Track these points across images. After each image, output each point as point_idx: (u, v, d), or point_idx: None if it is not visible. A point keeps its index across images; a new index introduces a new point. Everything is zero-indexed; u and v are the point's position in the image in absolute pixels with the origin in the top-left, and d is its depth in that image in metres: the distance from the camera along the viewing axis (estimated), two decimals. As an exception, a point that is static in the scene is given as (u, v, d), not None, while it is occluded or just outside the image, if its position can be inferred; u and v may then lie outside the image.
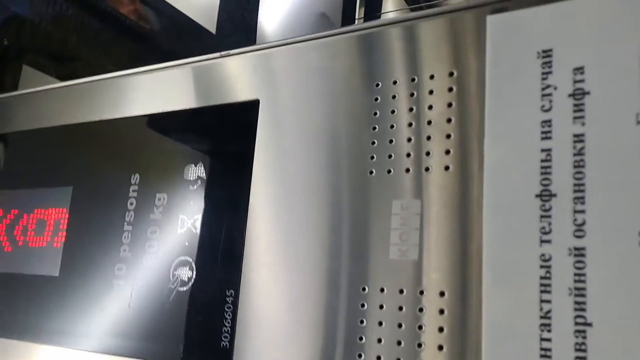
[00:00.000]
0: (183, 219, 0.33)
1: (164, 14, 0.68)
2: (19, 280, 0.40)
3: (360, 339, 0.26)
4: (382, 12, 0.87)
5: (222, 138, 0.34)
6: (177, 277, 0.32)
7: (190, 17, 0.68)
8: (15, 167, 0.44)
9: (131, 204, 0.36)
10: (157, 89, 0.37)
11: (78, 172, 0.40)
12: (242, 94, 0.33)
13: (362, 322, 0.26)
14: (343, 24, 0.89)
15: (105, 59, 0.64)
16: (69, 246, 0.38)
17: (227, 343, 0.29)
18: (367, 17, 0.89)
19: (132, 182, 0.36)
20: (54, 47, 0.61)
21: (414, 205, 0.26)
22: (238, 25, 0.72)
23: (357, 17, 0.89)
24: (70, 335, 0.36)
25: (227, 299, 0.30)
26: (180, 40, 0.70)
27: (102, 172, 0.38)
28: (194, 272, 0.32)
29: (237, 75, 0.34)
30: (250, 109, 0.32)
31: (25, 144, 0.44)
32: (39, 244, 0.40)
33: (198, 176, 0.34)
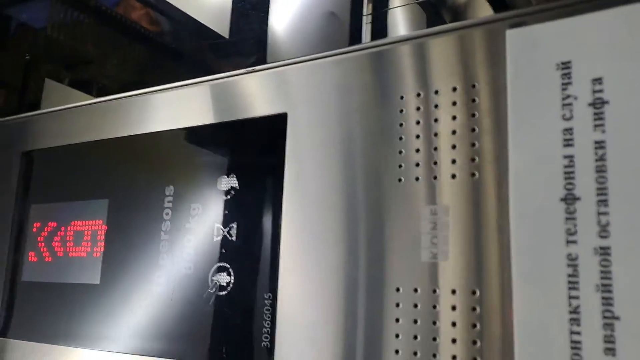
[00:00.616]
0: (219, 228, 0.35)
1: (176, 20, 0.69)
2: (62, 289, 0.42)
3: (397, 336, 0.27)
4: (389, 7, 0.87)
5: (252, 150, 0.36)
6: (216, 282, 0.34)
7: (203, 22, 0.69)
8: (51, 182, 0.46)
9: (167, 214, 0.37)
10: (187, 105, 0.39)
11: (113, 185, 0.41)
12: (269, 107, 0.34)
13: (397, 320, 0.27)
14: (351, 21, 0.89)
15: (119, 63, 0.65)
16: (108, 255, 0.40)
17: (268, 343, 0.31)
18: (376, 12, 0.90)
19: (167, 193, 0.38)
20: (71, 56, 0.63)
21: (443, 210, 0.27)
22: (250, 30, 0.73)
23: (365, 13, 0.89)
24: (114, 339, 0.37)
25: (266, 301, 0.32)
26: (195, 46, 0.71)
27: (137, 184, 0.40)
28: (232, 277, 0.34)
29: (263, 91, 0.35)
30: (278, 121, 0.33)
31: (60, 159, 0.46)
32: (79, 254, 0.42)
33: (231, 187, 0.35)
